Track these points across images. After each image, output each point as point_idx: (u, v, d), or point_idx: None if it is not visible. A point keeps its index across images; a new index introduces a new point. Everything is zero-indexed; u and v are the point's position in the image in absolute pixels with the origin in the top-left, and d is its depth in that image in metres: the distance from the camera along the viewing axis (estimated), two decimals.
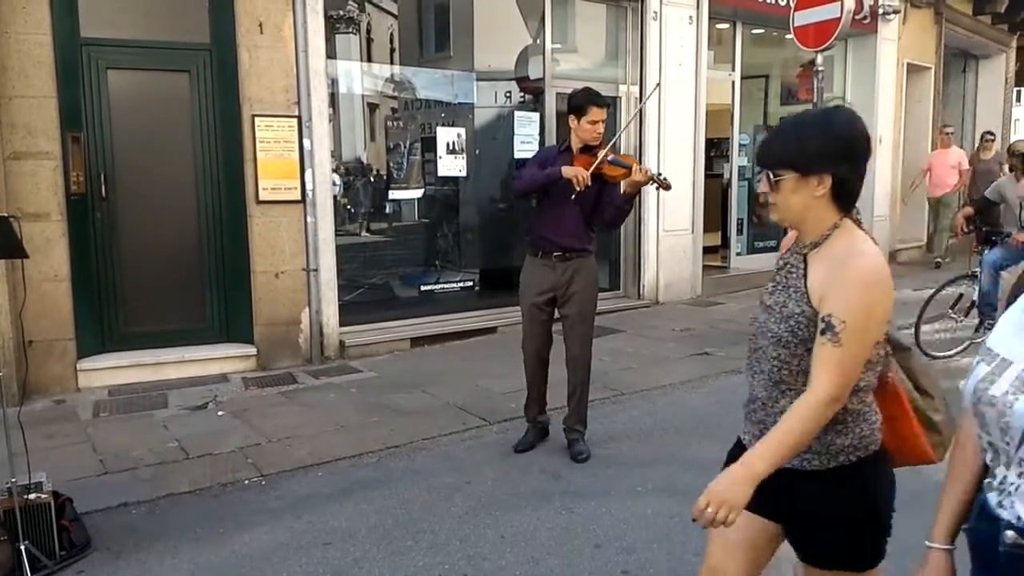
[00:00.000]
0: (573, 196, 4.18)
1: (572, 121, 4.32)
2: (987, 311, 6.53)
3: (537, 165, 4.40)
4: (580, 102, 4.27)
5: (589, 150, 4.29)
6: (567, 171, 4.18)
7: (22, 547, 3.19)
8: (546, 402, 4.73)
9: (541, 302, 4.45)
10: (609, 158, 4.22)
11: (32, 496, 3.32)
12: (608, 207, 4.34)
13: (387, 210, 7.97)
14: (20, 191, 5.62)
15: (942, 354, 6.54)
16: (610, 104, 4.30)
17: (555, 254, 4.38)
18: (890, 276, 1.87)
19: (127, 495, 4.06)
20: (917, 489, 4.04)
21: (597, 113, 4.23)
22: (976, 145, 13.15)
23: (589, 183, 4.14)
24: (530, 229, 4.57)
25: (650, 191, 8.68)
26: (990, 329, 6.04)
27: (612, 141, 4.40)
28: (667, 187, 4.25)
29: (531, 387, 4.65)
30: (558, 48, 8.37)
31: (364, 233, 7.92)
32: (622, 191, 4.24)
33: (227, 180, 6.37)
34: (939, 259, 11.36)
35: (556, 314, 4.55)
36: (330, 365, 6.60)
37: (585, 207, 4.32)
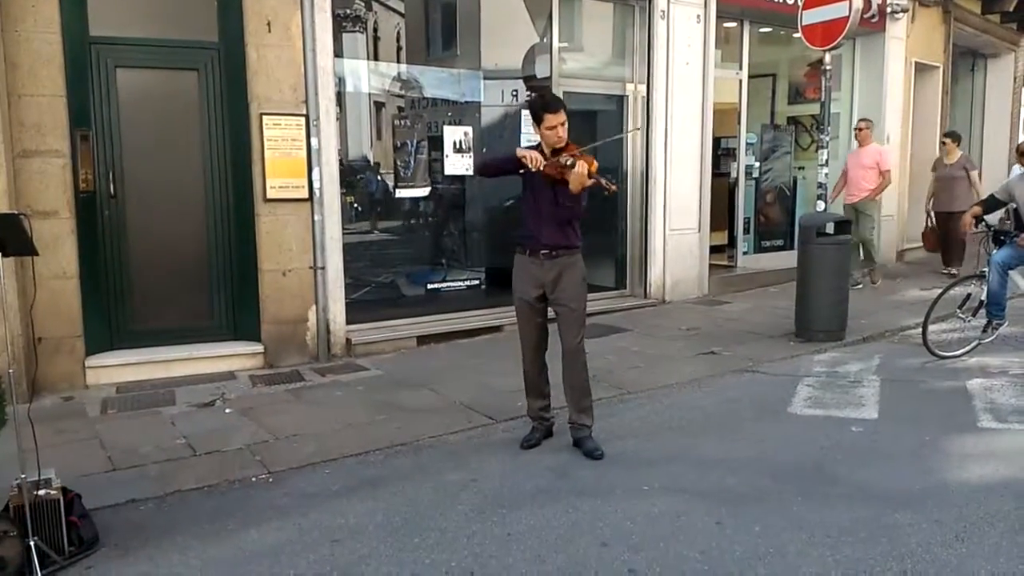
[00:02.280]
0: (522, 171, 4.32)
1: (534, 128, 4.43)
2: (995, 311, 6.51)
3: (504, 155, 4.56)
4: (535, 110, 4.39)
5: (558, 153, 4.33)
6: (520, 151, 4.35)
7: (31, 543, 3.20)
8: (547, 395, 4.74)
9: (531, 299, 4.52)
10: (568, 162, 4.22)
11: (41, 492, 3.33)
12: (562, 206, 4.39)
13: (394, 209, 7.98)
14: (29, 189, 5.65)
15: (950, 354, 6.52)
16: (563, 107, 4.38)
17: (541, 252, 4.44)
18: None
19: (135, 491, 4.08)
20: (919, 489, 4.07)
21: (551, 119, 4.29)
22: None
23: (541, 165, 4.22)
24: (521, 225, 4.62)
25: (658, 191, 8.70)
26: (997, 329, 6.05)
27: (587, 147, 4.43)
28: (609, 191, 4.35)
29: (528, 376, 4.69)
30: (565, 47, 8.36)
31: (371, 232, 7.92)
32: (572, 189, 4.24)
33: (235, 178, 6.39)
34: (858, 280, 9.42)
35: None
36: (337, 363, 6.61)
37: (557, 204, 4.38)
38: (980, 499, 3.86)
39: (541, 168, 4.23)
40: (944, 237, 10.40)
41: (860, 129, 9.58)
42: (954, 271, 10.04)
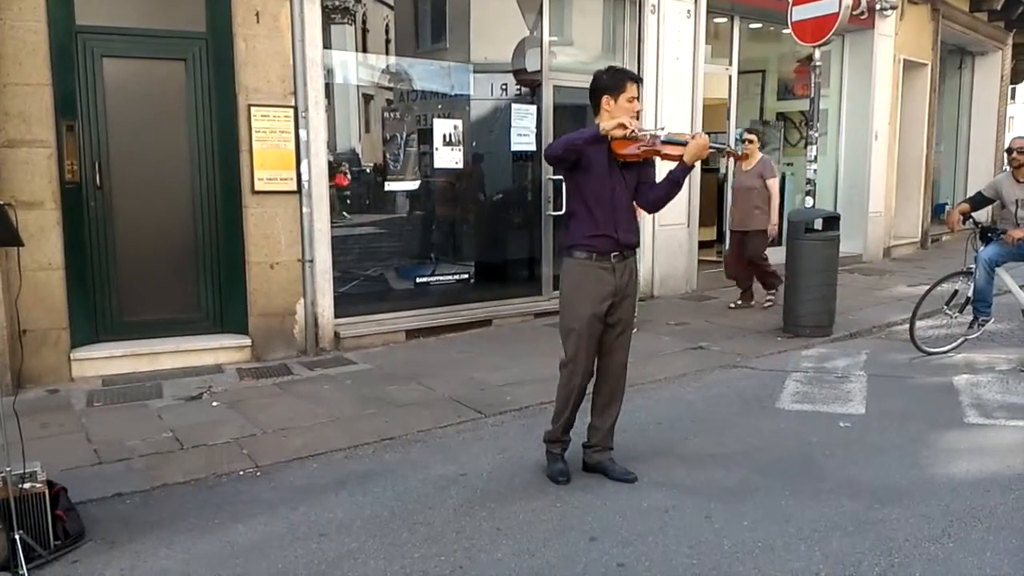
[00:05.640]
0: (620, 163, 3.79)
1: (607, 103, 3.83)
2: (981, 307, 6.54)
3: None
4: (615, 80, 3.82)
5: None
6: (607, 125, 3.67)
7: (16, 537, 3.17)
8: None
9: (602, 312, 3.90)
10: (662, 138, 3.84)
11: (27, 485, 3.30)
12: (654, 186, 3.97)
13: (383, 202, 7.94)
14: (14, 179, 5.58)
15: (936, 350, 6.56)
16: (643, 80, 4.01)
17: (613, 254, 3.87)
18: None
19: (121, 485, 4.04)
20: (906, 484, 4.09)
21: (635, 89, 3.82)
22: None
23: (635, 128, 3.69)
24: (575, 226, 3.95)
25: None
26: (984, 325, 6.08)
27: (661, 128, 3.97)
28: (737, 156, 4.01)
29: (573, 409, 4.07)
30: (555, 41, 8.34)
31: (360, 225, 7.88)
32: (686, 162, 3.84)
33: (223, 170, 6.34)
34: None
35: None
36: (325, 356, 6.58)
37: (631, 194, 3.96)
38: (967, 494, 3.89)
39: (618, 139, 3.67)
40: (745, 263, 8.29)
41: None
42: (766, 302, 8.22)
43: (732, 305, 8.36)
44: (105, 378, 5.91)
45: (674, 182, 3.94)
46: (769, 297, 8.24)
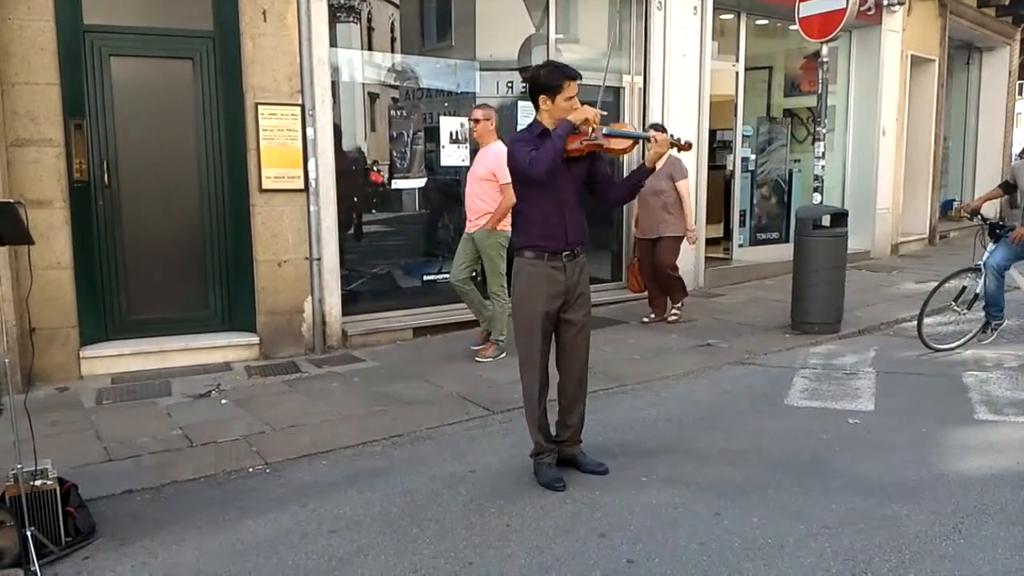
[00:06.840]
0: (567, 153, 3.72)
1: (544, 102, 3.82)
2: (993, 312, 6.54)
3: (532, 145, 3.78)
4: (552, 80, 3.79)
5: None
6: (576, 116, 3.70)
7: (28, 533, 3.19)
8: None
9: (554, 311, 3.90)
10: (604, 131, 3.83)
11: (38, 482, 3.33)
12: (612, 184, 4.00)
13: (389, 200, 7.94)
14: (23, 178, 5.61)
15: (944, 347, 6.54)
16: (581, 76, 3.91)
17: (564, 253, 3.86)
18: None
19: (132, 482, 4.06)
20: (916, 481, 4.08)
21: (573, 87, 3.78)
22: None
23: (599, 122, 3.73)
24: (524, 226, 3.93)
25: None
26: (997, 329, 6.02)
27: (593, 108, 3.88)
28: (687, 147, 3.91)
29: (537, 412, 4.03)
30: (562, 38, 8.34)
31: (367, 223, 7.89)
32: (647, 164, 3.90)
33: (230, 168, 6.36)
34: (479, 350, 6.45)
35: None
36: (333, 354, 6.60)
37: (580, 190, 3.92)
38: (977, 491, 3.87)
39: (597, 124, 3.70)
40: (652, 273, 7.62)
41: (475, 121, 6.28)
42: (671, 315, 7.62)
43: (645, 319, 7.65)
44: (114, 376, 5.94)
45: (635, 185, 4.01)
46: (675, 311, 7.63)
